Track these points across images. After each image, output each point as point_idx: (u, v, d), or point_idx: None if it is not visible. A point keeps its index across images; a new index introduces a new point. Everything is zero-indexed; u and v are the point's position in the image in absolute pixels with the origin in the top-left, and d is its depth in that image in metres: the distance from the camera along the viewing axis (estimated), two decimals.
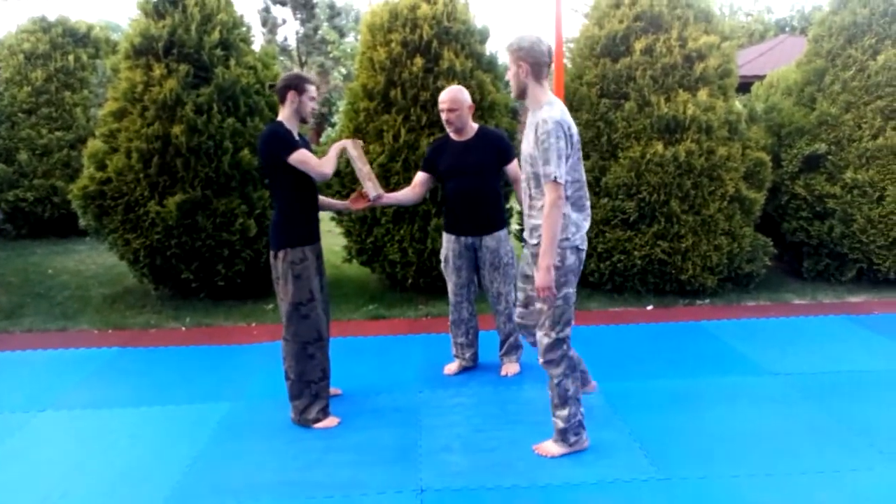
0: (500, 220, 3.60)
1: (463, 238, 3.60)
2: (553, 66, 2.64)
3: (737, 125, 5.60)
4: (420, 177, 3.62)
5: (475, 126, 3.55)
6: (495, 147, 3.51)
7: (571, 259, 2.66)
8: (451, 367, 3.88)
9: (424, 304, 5.44)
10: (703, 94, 5.45)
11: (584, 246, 2.71)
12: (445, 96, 3.42)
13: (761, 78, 7.43)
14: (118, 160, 5.38)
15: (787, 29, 22.88)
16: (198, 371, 4.05)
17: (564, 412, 2.81)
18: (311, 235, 3.20)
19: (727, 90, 5.69)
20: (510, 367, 3.82)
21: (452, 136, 3.53)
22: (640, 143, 5.44)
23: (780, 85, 6.58)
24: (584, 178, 2.68)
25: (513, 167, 3.56)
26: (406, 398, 3.57)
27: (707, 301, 5.52)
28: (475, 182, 3.48)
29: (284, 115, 3.17)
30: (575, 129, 2.59)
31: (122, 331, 5.03)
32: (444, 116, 3.46)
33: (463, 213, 3.57)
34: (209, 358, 4.30)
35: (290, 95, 3.13)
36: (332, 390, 3.59)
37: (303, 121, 3.18)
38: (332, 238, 7.70)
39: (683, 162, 5.33)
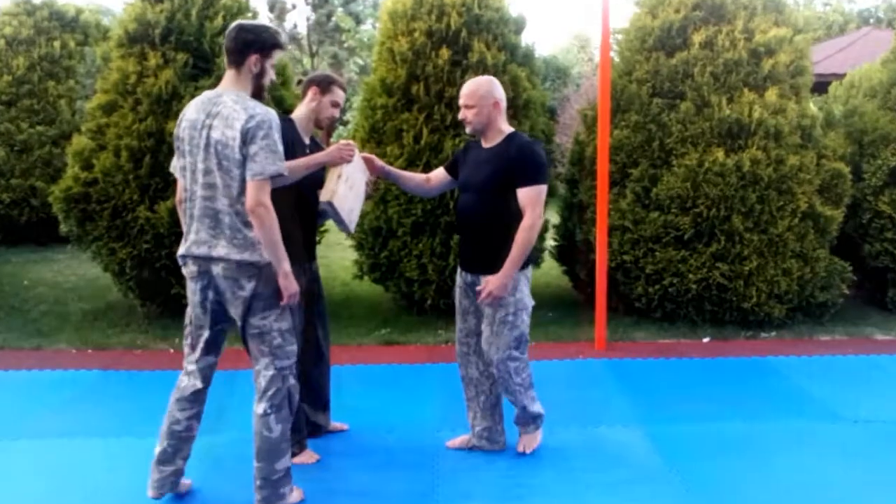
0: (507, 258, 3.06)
1: (465, 273, 3.25)
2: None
3: (811, 131, 5.56)
4: (437, 173, 3.46)
5: (506, 131, 3.17)
6: (509, 162, 3.06)
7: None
8: (454, 442, 3.48)
9: (445, 328, 5.44)
10: (771, 95, 5.42)
11: (186, 271, 2.75)
12: (464, 89, 3.15)
13: (840, 76, 7.37)
14: (106, 159, 5.50)
15: (871, 21, 22.67)
16: None
17: None
18: (297, 253, 3.14)
19: (800, 90, 5.65)
20: (527, 441, 3.40)
21: (481, 140, 3.24)
22: (697, 150, 5.43)
23: (862, 85, 6.52)
24: (189, 187, 2.69)
25: (522, 193, 3.04)
26: (422, 436, 3.56)
27: (773, 334, 5.46)
28: (479, 203, 3.12)
29: (298, 112, 3.24)
30: (182, 127, 2.69)
31: (103, 351, 5.11)
32: (460, 114, 3.20)
33: (463, 241, 3.26)
34: None
35: (313, 92, 3.21)
36: (337, 425, 3.62)
37: (318, 125, 3.26)
38: (342, 251, 7.78)
39: (748, 172, 5.30)
